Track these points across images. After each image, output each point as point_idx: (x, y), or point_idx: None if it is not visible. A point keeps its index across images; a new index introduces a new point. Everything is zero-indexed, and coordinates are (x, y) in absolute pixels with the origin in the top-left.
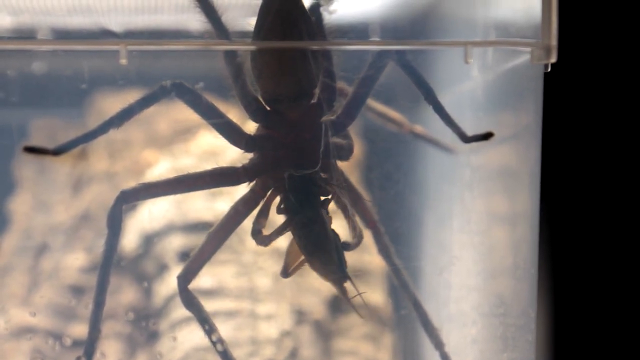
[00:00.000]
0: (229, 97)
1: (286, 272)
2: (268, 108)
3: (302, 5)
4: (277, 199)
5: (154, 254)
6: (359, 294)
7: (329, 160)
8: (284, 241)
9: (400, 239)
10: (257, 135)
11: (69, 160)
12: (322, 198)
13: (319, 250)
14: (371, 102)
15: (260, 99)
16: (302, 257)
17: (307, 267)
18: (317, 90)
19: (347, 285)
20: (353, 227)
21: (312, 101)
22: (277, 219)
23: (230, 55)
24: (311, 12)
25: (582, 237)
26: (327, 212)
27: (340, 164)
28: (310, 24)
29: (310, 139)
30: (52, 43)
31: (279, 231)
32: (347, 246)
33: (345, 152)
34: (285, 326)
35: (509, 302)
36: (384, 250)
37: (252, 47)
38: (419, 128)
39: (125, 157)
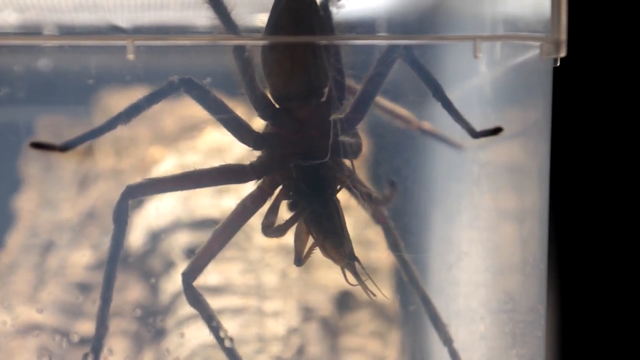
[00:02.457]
0: (236, 94)
1: (300, 260)
2: (277, 106)
3: (313, 2)
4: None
5: (160, 250)
6: (368, 274)
7: (337, 157)
8: (290, 237)
9: (409, 234)
10: (266, 133)
11: (75, 157)
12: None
13: (332, 234)
14: (379, 99)
15: (270, 97)
16: (312, 242)
17: (314, 263)
18: (326, 89)
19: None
20: (368, 195)
21: (322, 100)
22: (285, 216)
23: (239, 52)
24: (320, 8)
25: (592, 233)
26: (337, 200)
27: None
28: (321, 20)
29: (318, 137)
30: (59, 38)
31: (293, 220)
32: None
33: (353, 151)
34: (292, 323)
35: (518, 298)
36: (394, 246)
37: (260, 42)
38: (426, 125)
39: (131, 154)
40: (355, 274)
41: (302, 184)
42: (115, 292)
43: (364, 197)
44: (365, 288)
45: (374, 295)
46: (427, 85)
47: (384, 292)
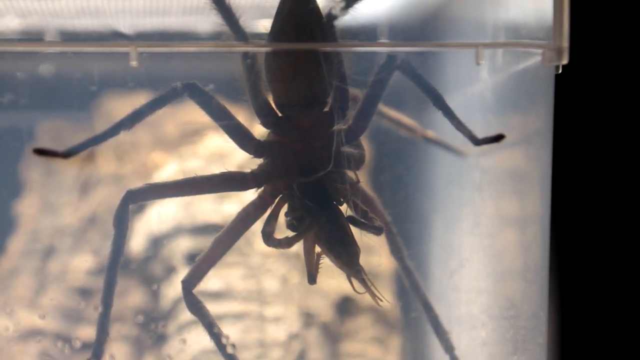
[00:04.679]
0: (238, 100)
1: (313, 277)
2: (280, 114)
3: (316, 9)
4: (285, 210)
5: (162, 256)
6: (372, 283)
7: (340, 168)
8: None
9: (411, 241)
10: (267, 141)
11: (76, 162)
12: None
13: (341, 244)
14: (383, 108)
15: (272, 105)
16: (317, 257)
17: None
18: (329, 99)
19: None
20: (371, 220)
21: (325, 109)
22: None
23: (244, 58)
24: (323, 15)
25: (594, 239)
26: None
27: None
28: (324, 27)
29: (320, 148)
30: (63, 45)
31: (300, 235)
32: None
33: (356, 162)
34: (293, 329)
35: (519, 304)
36: (396, 252)
37: (262, 49)
38: (431, 133)
39: (133, 159)
40: (363, 282)
41: (306, 199)
42: (116, 297)
43: (361, 221)
44: (373, 295)
45: (382, 300)
46: (427, 96)
47: (387, 299)
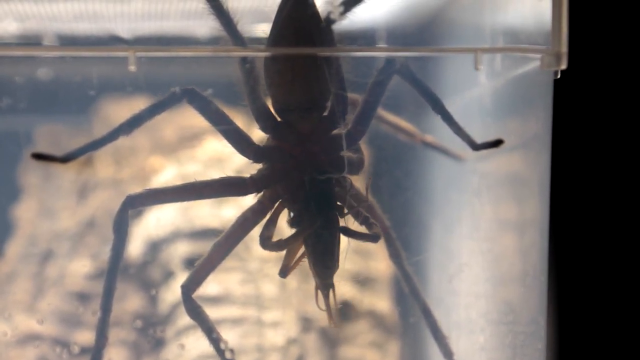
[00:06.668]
0: (237, 105)
1: (285, 272)
2: (278, 119)
3: (315, 14)
4: (286, 210)
5: (160, 261)
6: (337, 304)
7: (342, 174)
8: None
9: (409, 245)
10: (266, 146)
11: (74, 166)
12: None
13: (325, 257)
14: (382, 113)
15: (271, 109)
16: (299, 255)
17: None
18: (329, 104)
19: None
20: (371, 226)
21: (324, 114)
22: (285, 227)
23: (242, 63)
24: (322, 19)
25: (593, 244)
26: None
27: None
28: (323, 33)
29: (319, 152)
30: (61, 49)
31: (295, 237)
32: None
33: (355, 167)
34: (292, 333)
35: (518, 309)
36: (395, 257)
37: (261, 53)
38: (429, 138)
39: (131, 164)
40: (327, 300)
41: (311, 199)
42: (115, 302)
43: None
44: (330, 316)
45: (335, 325)
46: (426, 100)
47: (382, 306)
